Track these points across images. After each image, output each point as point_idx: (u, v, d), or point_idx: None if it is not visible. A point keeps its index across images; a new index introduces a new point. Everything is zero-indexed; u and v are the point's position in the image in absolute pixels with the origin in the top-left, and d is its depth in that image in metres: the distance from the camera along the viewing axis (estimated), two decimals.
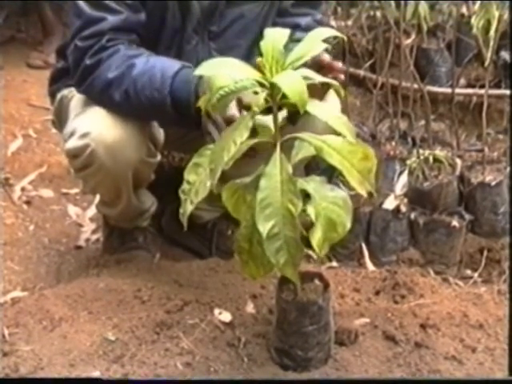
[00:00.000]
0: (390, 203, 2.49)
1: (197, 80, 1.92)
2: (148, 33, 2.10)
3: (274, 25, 2.19)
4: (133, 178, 2.17)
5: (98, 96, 2.07)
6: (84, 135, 2.03)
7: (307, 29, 2.15)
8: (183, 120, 1.99)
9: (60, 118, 2.28)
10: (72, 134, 2.06)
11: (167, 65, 1.99)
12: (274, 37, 1.61)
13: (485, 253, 2.46)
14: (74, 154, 2.08)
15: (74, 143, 2.06)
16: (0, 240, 2.61)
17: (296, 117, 1.66)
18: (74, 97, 2.17)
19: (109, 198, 2.29)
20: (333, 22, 3.20)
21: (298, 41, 1.68)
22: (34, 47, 4.12)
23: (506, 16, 2.56)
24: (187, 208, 1.69)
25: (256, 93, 1.59)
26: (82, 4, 2.06)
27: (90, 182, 2.18)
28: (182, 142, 2.33)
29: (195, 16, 2.13)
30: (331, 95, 1.72)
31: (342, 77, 1.77)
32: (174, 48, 2.15)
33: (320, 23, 2.25)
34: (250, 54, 2.14)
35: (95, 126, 2.03)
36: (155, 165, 2.25)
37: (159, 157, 2.24)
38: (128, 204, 2.27)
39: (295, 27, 2.16)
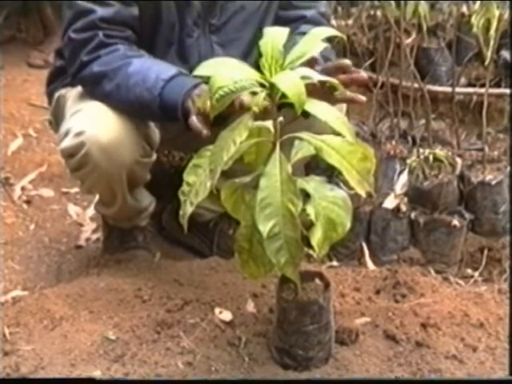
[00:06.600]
0: (390, 202, 2.49)
1: (190, 87, 1.92)
2: (145, 28, 2.10)
3: (278, 18, 2.19)
4: (128, 178, 2.16)
5: (90, 86, 2.08)
6: (78, 134, 2.03)
7: (312, 21, 2.16)
8: (167, 122, 2.03)
9: (57, 118, 2.27)
10: (67, 134, 2.06)
11: (163, 68, 2.00)
12: (274, 36, 1.61)
13: (485, 252, 2.46)
14: (68, 154, 2.08)
15: (68, 142, 2.05)
16: (0, 239, 2.61)
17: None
18: (70, 96, 2.17)
19: (104, 198, 2.28)
20: (333, 21, 3.19)
21: (304, 34, 1.67)
22: (35, 47, 4.11)
23: (506, 15, 2.56)
24: (187, 209, 1.68)
25: (255, 93, 1.58)
26: None
27: (85, 182, 2.18)
28: (180, 141, 2.33)
29: (195, 9, 2.13)
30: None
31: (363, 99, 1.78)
32: (174, 43, 2.15)
33: (324, 16, 2.24)
34: (251, 47, 2.13)
35: (90, 125, 2.03)
36: (150, 164, 2.23)
37: (155, 156, 2.23)
38: (124, 204, 2.25)
39: (300, 19, 2.15)
